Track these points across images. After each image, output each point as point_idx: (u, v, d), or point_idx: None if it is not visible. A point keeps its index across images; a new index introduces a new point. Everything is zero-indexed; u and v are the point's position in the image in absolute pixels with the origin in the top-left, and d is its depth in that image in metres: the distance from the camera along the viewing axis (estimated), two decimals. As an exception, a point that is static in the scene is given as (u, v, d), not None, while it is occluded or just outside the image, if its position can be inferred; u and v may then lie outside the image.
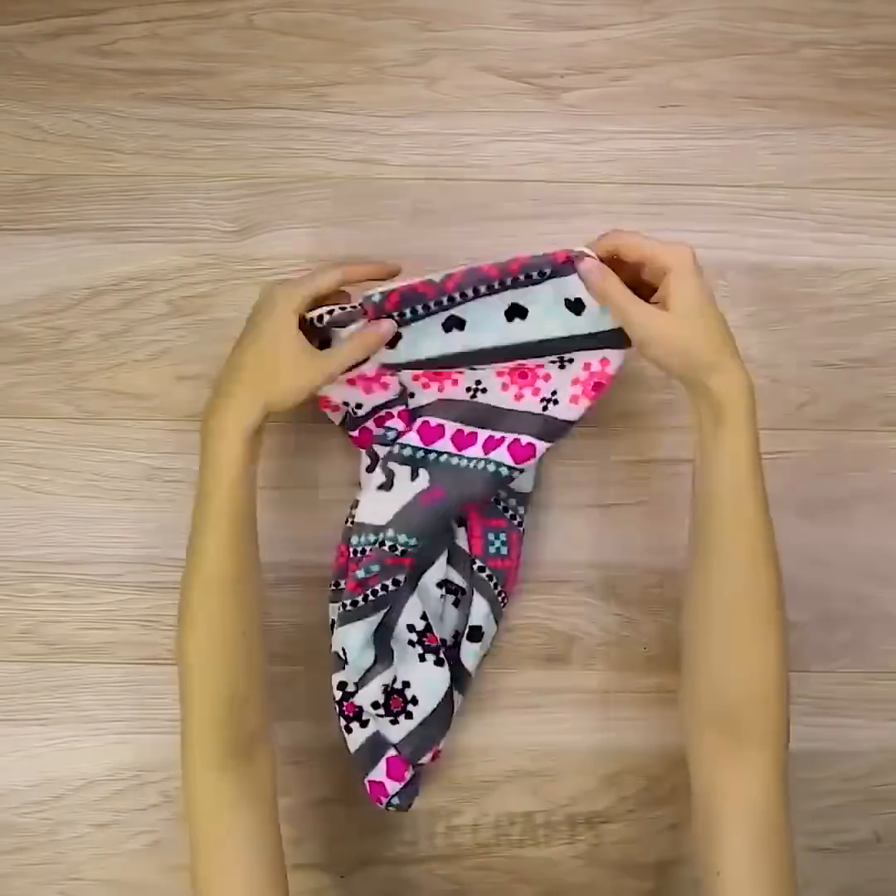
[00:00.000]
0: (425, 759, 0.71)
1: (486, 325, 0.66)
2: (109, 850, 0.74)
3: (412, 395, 0.72)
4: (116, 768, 0.74)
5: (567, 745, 0.75)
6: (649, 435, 0.75)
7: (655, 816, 0.75)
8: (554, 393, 0.69)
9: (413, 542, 0.68)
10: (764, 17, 0.76)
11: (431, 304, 0.64)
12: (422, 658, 0.70)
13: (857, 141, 0.76)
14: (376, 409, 0.71)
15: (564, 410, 0.69)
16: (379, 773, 0.70)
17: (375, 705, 0.70)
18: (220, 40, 0.76)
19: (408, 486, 0.69)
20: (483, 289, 0.64)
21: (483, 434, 0.70)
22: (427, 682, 0.70)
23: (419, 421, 0.71)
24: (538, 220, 0.76)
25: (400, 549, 0.68)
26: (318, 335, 0.66)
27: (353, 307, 0.65)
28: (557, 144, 0.76)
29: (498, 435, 0.70)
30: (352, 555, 0.69)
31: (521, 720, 0.75)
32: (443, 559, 0.72)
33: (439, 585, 0.72)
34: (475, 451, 0.70)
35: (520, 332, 0.66)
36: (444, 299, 0.64)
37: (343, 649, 0.69)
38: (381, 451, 0.71)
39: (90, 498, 0.75)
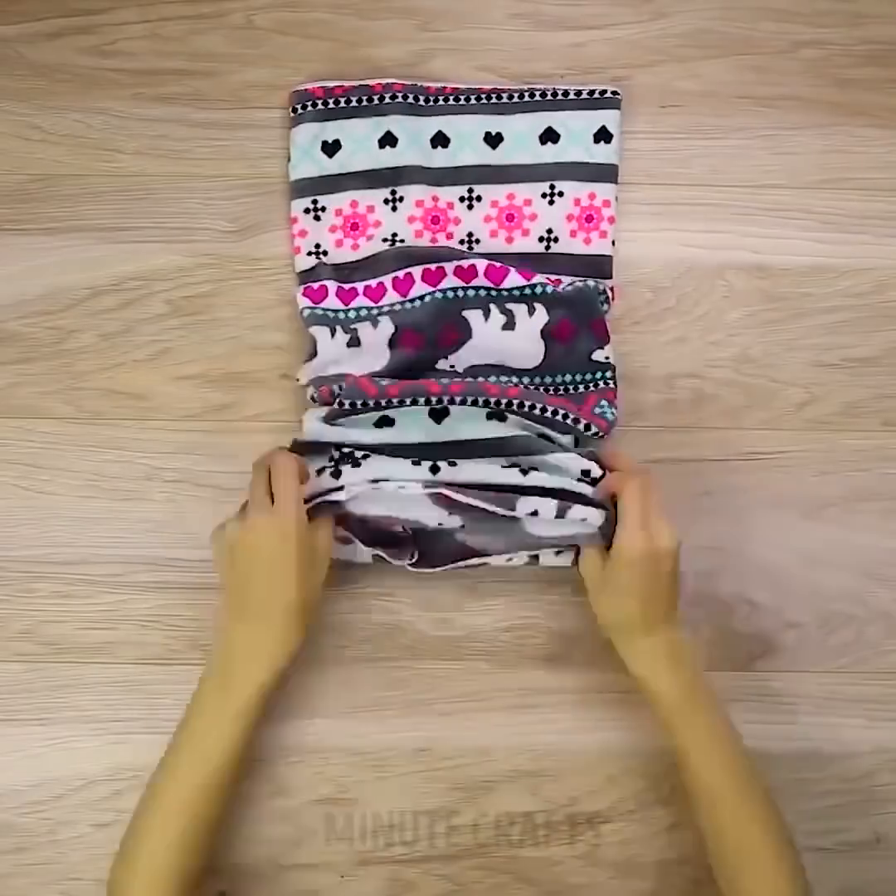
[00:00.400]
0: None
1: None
2: (110, 850, 0.74)
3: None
4: (116, 768, 0.74)
5: (567, 745, 0.75)
6: (649, 435, 0.75)
7: (655, 816, 0.75)
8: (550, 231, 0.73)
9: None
10: (764, 17, 0.76)
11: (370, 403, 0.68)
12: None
13: (857, 141, 0.76)
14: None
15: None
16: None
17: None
18: (220, 40, 0.76)
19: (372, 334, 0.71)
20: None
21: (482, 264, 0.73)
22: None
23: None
24: (538, 220, 0.76)
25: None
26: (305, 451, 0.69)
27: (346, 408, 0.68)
28: (557, 144, 0.76)
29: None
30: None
31: (521, 720, 0.75)
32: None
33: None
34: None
35: None
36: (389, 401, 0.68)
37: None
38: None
39: (90, 498, 0.75)
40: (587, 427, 0.70)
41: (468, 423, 0.70)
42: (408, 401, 0.68)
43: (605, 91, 0.74)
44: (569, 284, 0.73)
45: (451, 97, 0.74)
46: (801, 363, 0.76)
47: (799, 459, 0.75)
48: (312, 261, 0.73)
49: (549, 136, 0.74)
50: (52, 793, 0.74)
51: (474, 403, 0.68)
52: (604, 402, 0.72)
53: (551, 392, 0.73)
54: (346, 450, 0.69)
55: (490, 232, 0.74)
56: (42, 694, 0.74)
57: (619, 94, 0.74)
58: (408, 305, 0.72)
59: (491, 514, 0.67)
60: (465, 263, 0.72)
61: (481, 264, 0.72)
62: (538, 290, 0.72)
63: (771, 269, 0.76)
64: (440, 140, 0.74)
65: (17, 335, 0.75)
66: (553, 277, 0.73)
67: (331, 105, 0.73)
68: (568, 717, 0.75)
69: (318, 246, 0.74)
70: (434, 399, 0.68)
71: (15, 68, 0.75)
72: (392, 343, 0.72)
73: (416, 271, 0.72)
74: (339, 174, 0.73)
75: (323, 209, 0.73)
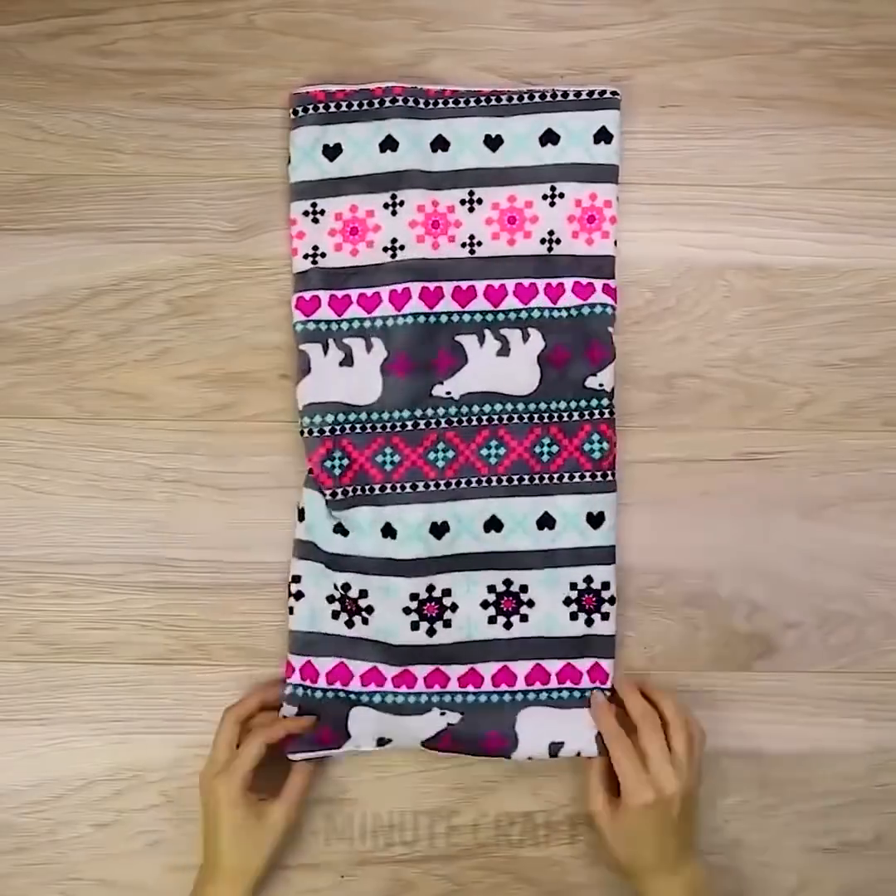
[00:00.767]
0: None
1: None
2: (109, 850, 0.74)
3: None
4: (116, 768, 0.74)
5: (567, 745, 0.75)
6: (650, 435, 0.75)
7: (655, 816, 0.75)
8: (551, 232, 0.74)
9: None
10: (764, 17, 0.76)
11: None
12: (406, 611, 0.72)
13: (857, 141, 0.76)
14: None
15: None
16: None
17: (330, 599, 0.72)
18: (220, 40, 0.76)
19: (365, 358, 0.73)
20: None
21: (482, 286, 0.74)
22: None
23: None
24: (538, 220, 0.76)
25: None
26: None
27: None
28: (557, 144, 0.76)
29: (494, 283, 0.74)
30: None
31: (521, 720, 0.75)
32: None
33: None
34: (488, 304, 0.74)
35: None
36: None
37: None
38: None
39: (90, 498, 0.75)
40: (560, 477, 0.73)
41: (465, 538, 0.72)
42: (408, 486, 0.72)
43: (604, 91, 0.74)
44: (575, 307, 0.73)
45: (451, 100, 0.74)
46: (801, 363, 0.76)
47: (799, 459, 0.75)
48: (307, 264, 0.73)
49: (549, 137, 0.74)
50: (52, 793, 0.74)
51: (467, 484, 0.72)
52: (596, 436, 0.73)
53: (545, 420, 0.73)
54: (352, 594, 0.71)
55: (491, 234, 0.74)
56: (42, 694, 0.74)
57: (618, 94, 0.74)
58: (400, 321, 0.72)
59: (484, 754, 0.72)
60: (464, 285, 0.73)
61: (480, 286, 0.73)
62: (535, 314, 0.73)
63: (771, 269, 0.76)
64: (440, 143, 0.74)
65: (18, 335, 0.75)
66: (555, 283, 0.73)
67: (332, 109, 0.73)
68: (568, 717, 0.75)
69: (315, 248, 0.73)
70: (431, 483, 0.72)
71: (15, 68, 0.75)
72: (384, 369, 0.72)
73: (415, 288, 0.72)
74: (339, 178, 0.73)
75: (322, 212, 0.73)
